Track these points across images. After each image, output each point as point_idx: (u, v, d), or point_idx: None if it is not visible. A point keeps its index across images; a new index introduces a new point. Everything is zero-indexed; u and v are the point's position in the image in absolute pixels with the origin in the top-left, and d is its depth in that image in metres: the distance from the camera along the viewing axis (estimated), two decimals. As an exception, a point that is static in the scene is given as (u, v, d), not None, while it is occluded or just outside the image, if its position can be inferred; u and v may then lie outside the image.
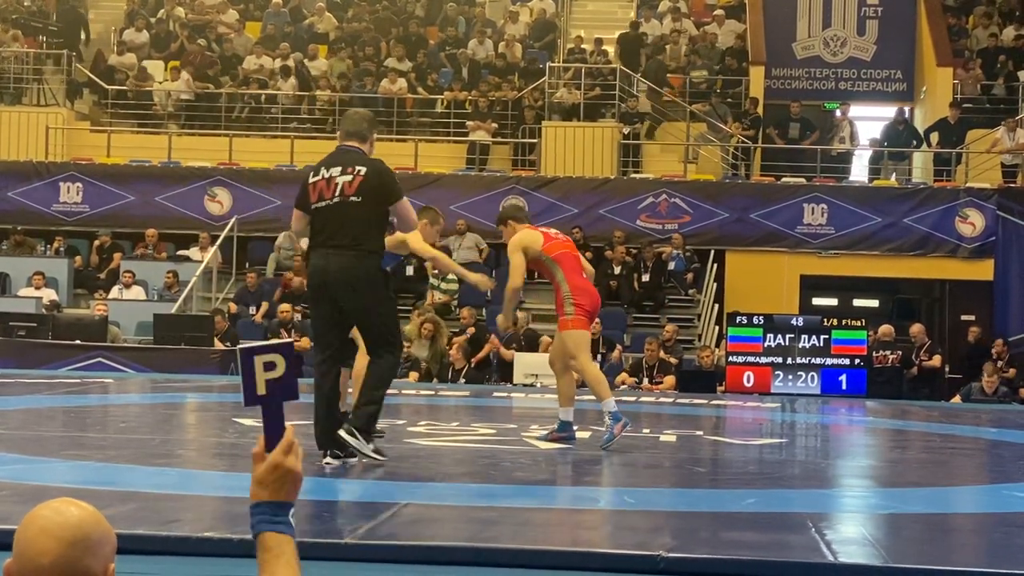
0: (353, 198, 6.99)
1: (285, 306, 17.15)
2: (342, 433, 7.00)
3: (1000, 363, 16.30)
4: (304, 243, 19.75)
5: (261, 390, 2.44)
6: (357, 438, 6.99)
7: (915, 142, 21.30)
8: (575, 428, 8.61)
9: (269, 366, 2.44)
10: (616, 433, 8.05)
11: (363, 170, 7.03)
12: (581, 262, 8.71)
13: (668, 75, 22.27)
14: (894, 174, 21.13)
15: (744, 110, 21.22)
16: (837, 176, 20.51)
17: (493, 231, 18.57)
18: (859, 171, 21.66)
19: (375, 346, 7.17)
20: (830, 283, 20.14)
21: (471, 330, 16.68)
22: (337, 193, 7.00)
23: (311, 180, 7.10)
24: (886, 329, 16.86)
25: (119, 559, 2.37)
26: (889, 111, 21.98)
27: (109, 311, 16.88)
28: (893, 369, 16.34)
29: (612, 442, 8.06)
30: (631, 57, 22.45)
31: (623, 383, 15.40)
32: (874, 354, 16.17)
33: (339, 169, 7.05)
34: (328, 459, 7.01)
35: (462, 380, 15.22)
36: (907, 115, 22.22)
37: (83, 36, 23.86)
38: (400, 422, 9.17)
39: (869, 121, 22.47)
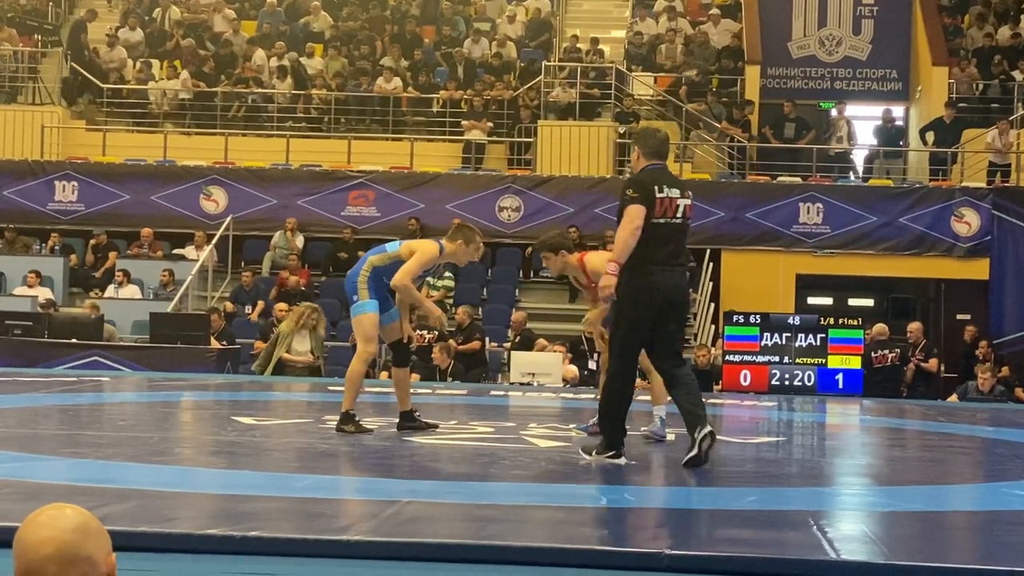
0: (688, 221, 7.51)
1: (282, 305, 17.06)
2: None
3: (988, 363, 16.34)
4: (300, 242, 19.77)
5: None
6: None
7: (901, 142, 21.36)
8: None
9: None
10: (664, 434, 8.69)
11: (690, 195, 7.57)
12: None
13: (663, 74, 22.31)
14: (888, 173, 21.16)
15: (733, 118, 21.21)
16: (833, 176, 20.54)
17: (489, 230, 18.60)
18: (860, 170, 21.70)
19: (677, 357, 7.62)
20: (825, 282, 20.15)
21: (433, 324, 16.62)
22: (679, 214, 7.38)
23: (658, 195, 7.31)
24: (880, 328, 16.87)
25: (118, 556, 2.37)
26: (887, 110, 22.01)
27: (105, 310, 16.86)
28: (892, 368, 16.34)
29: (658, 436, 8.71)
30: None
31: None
32: (873, 354, 16.17)
33: (678, 191, 7.42)
34: (625, 459, 7.41)
35: (449, 379, 15.17)
36: (901, 114, 22.27)
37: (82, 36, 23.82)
38: (397, 420, 9.15)
39: (865, 120, 22.51)
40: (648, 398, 8.98)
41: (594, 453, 7.50)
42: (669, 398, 8.09)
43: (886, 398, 15.12)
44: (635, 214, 7.19)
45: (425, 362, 15.53)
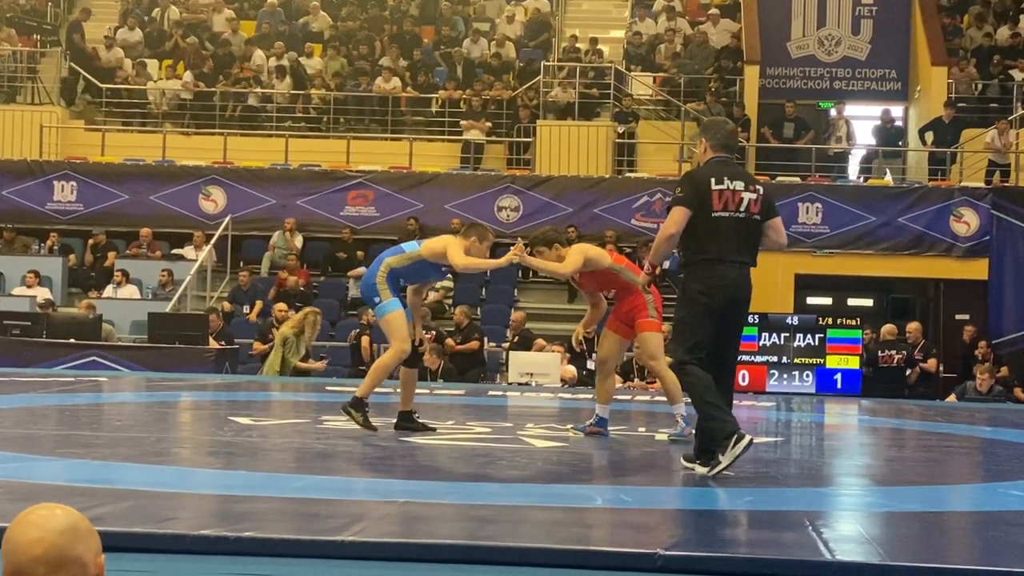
0: (756, 216, 7.03)
1: (281, 306, 17.08)
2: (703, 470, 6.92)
3: (987, 363, 16.34)
4: (298, 242, 19.76)
5: None
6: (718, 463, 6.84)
7: (900, 142, 21.35)
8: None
9: None
10: (686, 434, 8.41)
11: (761, 189, 7.13)
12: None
13: (662, 74, 22.30)
14: (888, 174, 21.16)
15: (733, 116, 21.17)
16: (832, 176, 20.53)
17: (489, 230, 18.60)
18: (855, 170, 21.69)
19: (734, 363, 7.32)
20: (824, 282, 20.13)
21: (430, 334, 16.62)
22: (743, 208, 6.97)
23: (715, 187, 6.91)
24: (889, 328, 16.86)
25: (115, 557, 2.37)
26: (886, 111, 22.00)
27: (103, 310, 16.88)
28: (897, 369, 16.34)
29: (681, 438, 8.52)
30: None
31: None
32: (879, 354, 16.16)
33: (742, 184, 7.02)
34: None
35: (440, 380, 15.16)
36: (901, 114, 22.26)
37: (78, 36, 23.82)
38: (394, 420, 9.15)
39: (864, 120, 22.51)
40: (663, 398, 8.99)
41: (720, 455, 6.79)
42: (686, 398, 7.88)
43: (889, 398, 15.10)
44: (675, 218, 6.88)
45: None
